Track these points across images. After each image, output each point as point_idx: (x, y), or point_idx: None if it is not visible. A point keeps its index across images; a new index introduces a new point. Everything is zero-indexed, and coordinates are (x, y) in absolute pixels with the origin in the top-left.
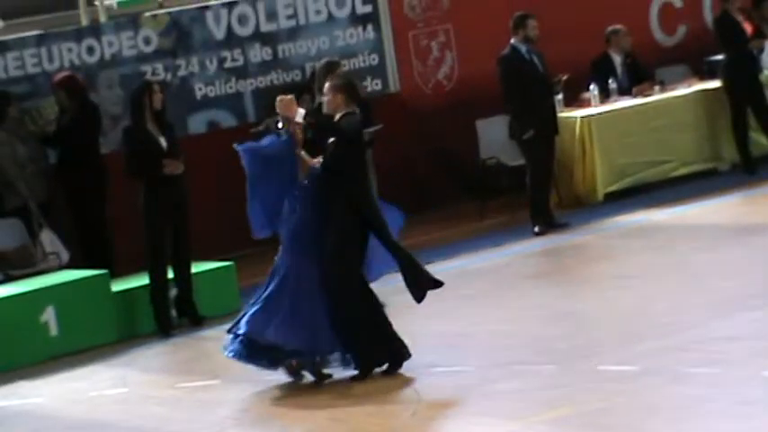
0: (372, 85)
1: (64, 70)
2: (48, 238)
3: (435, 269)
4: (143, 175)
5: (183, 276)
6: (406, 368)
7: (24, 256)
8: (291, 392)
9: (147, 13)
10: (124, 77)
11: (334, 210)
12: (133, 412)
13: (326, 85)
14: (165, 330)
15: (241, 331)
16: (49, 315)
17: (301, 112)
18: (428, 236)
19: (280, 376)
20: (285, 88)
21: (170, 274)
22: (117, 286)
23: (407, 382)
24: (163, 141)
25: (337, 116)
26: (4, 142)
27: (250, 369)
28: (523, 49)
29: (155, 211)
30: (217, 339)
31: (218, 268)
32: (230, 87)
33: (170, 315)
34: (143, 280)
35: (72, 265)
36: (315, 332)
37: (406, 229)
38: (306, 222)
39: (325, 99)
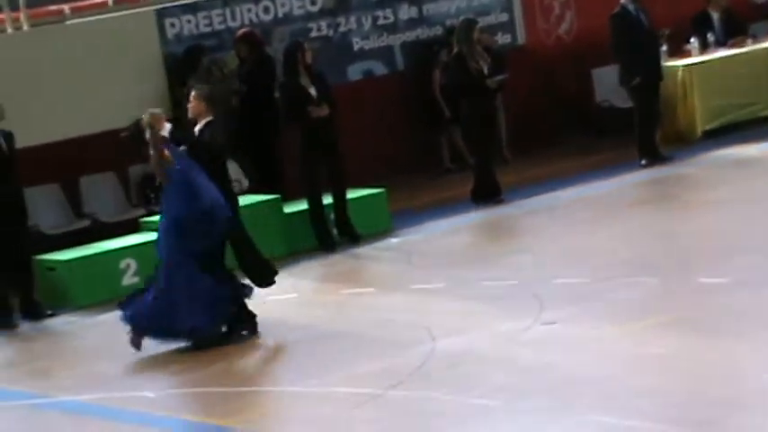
0: (502, 38)
1: (245, 27)
2: (232, 168)
3: (555, 195)
4: (299, 121)
5: (338, 202)
6: (531, 278)
7: None
8: (437, 298)
9: None
10: (294, 33)
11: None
12: (303, 314)
13: (192, 92)
14: (327, 247)
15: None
16: None
17: (167, 126)
18: (550, 168)
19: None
20: (428, 42)
21: (328, 200)
22: (288, 209)
23: (532, 291)
24: (313, 91)
25: (200, 125)
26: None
27: (401, 279)
28: (631, 7)
29: (309, 148)
30: (371, 256)
31: (371, 194)
32: (382, 41)
33: (331, 234)
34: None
35: (251, 190)
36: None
37: (529, 162)
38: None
39: (189, 105)
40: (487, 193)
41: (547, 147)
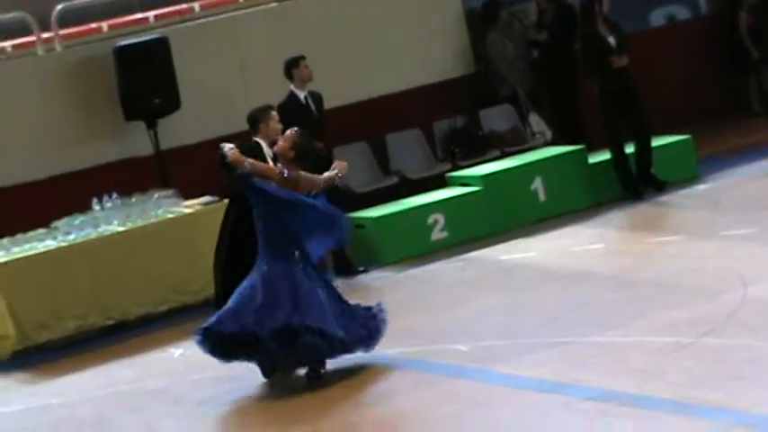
0: None
1: None
2: (534, 121)
3: None
4: (600, 71)
5: (642, 151)
6: None
7: (516, 135)
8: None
9: None
10: None
11: None
12: (609, 263)
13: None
14: (632, 195)
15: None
16: (537, 184)
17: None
18: None
19: None
20: None
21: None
22: (591, 159)
23: None
24: (611, 40)
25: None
26: (497, 41)
27: (710, 225)
28: None
29: (609, 98)
30: (677, 203)
31: (676, 141)
32: None
33: (636, 182)
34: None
35: (554, 142)
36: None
37: None
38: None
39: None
40: None
41: None
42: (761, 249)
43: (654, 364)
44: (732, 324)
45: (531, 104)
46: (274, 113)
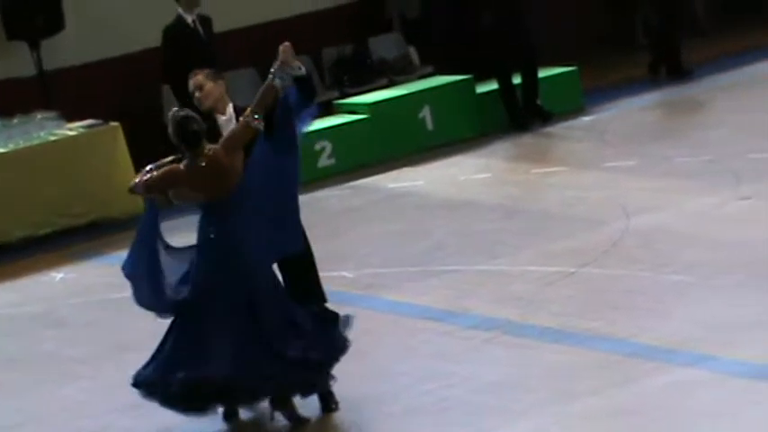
0: None
1: None
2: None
3: (755, 68)
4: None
5: (529, 82)
6: (726, 154)
7: (404, 64)
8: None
9: None
10: None
11: None
12: (495, 193)
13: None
14: (519, 126)
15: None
16: (425, 113)
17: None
18: (753, 38)
19: None
20: None
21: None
22: (479, 89)
23: (727, 166)
24: None
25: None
26: None
27: (594, 157)
28: None
29: (496, 28)
30: (563, 135)
31: (563, 73)
32: None
33: (522, 113)
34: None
35: (442, 71)
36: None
37: (729, 34)
38: None
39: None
40: (670, 67)
41: (752, 15)
42: (643, 181)
43: (537, 294)
44: (614, 254)
45: (415, 35)
46: None
